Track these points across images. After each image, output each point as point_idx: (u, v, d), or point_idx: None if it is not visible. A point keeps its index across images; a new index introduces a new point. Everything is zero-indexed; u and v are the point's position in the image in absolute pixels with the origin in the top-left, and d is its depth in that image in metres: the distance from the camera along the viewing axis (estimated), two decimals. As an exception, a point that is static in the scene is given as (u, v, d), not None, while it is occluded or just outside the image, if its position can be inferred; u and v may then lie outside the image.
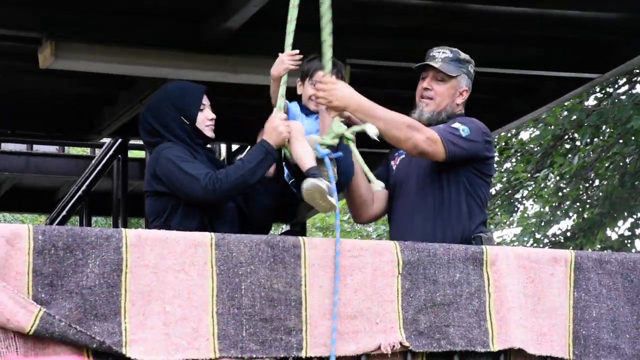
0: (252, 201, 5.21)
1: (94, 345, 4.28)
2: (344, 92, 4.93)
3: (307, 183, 4.79)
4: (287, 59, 4.96)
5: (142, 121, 5.19)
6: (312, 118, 5.11)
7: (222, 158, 10.21)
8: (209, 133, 5.19)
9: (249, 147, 9.86)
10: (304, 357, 4.55)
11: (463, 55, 5.36)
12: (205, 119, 5.16)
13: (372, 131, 4.83)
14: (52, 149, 11.97)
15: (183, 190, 4.96)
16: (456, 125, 5.15)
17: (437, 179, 5.21)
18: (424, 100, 5.31)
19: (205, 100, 5.18)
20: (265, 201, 5.20)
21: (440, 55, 5.31)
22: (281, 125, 4.92)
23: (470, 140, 5.15)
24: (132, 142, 10.56)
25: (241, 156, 5.07)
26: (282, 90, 4.99)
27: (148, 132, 5.16)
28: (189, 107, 5.11)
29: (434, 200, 5.22)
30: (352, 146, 4.93)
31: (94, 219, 11.60)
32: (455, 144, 5.09)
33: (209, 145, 5.32)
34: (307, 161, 4.84)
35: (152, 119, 5.13)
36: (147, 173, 5.12)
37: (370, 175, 4.86)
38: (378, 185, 4.85)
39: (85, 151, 13.77)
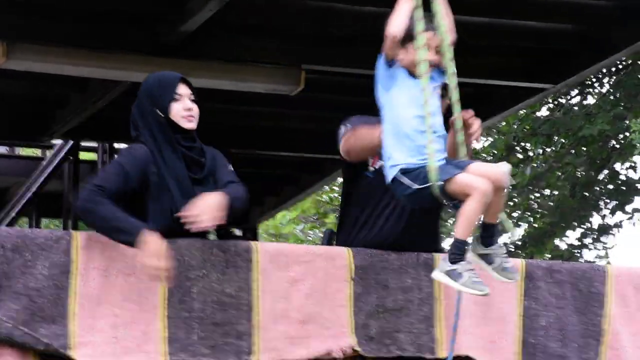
0: None
1: (40, 348, 4.24)
2: None
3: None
4: None
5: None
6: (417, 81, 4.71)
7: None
8: (185, 124, 4.76)
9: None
10: (253, 361, 4.55)
11: None
12: (181, 110, 4.77)
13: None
14: (1, 149, 11.87)
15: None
16: None
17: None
18: None
19: (184, 90, 4.81)
20: None
21: None
22: None
23: None
24: (83, 144, 10.48)
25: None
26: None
27: (133, 126, 4.82)
28: (160, 97, 4.76)
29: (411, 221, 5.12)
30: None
31: (43, 220, 11.50)
32: None
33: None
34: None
35: (134, 111, 4.80)
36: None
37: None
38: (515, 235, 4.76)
39: (36, 152, 13.64)
